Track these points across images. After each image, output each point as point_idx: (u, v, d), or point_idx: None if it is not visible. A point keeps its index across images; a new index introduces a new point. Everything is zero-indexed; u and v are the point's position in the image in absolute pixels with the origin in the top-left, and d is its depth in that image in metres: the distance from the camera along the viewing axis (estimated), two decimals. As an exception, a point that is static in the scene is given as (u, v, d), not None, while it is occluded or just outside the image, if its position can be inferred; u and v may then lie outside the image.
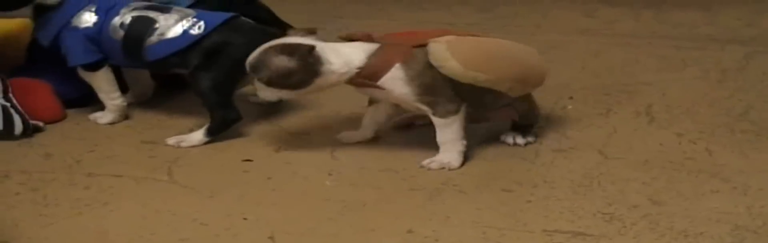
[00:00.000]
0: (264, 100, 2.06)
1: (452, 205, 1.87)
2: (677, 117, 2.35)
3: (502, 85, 2.01)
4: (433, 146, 2.05)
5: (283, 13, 2.67)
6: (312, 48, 1.95)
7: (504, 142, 2.17)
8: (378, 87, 2.00)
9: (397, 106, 2.13)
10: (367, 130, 2.19)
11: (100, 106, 2.36)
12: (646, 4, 3.55)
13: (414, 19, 3.40)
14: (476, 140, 2.15)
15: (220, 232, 1.76)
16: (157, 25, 2.19)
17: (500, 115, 2.16)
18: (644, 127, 2.30)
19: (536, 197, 1.90)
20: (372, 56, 2.00)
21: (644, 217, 1.79)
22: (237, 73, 2.06)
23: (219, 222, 1.80)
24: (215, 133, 2.21)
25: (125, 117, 2.36)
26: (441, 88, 1.99)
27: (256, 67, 1.98)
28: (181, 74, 2.37)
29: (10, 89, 2.27)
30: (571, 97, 2.50)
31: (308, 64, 1.96)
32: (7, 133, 2.23)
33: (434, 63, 1.96)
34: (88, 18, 2.23)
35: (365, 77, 2.00)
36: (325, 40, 2.06)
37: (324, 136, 2.24)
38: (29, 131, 2.25)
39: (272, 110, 2.34)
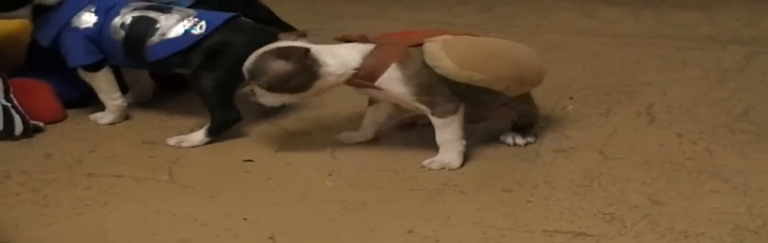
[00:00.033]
0: (266, 105, 2.05)
1: (453, 206, 1.87)
2: (677, 117, 2.35)
3: (499, 85, 2.01)
4: (433, 146, 2.06)
5: (283, 14, 2.67)
6: (307, 50, 1.95)
7: (504, 143, 2.17)
8: (376, 87, 2.00)
9: (397, 106, 2.13)
10: (367, 131, 2.19)
11: (100, 107, 2.36)
12: (646, 5, 3.56)
13: (414, 20, 3.41)
14: (476, 140, 2.16)
15: (221, 233, 1.76)
16: (158, 26, 2.19)
17: (498, 114, 2.16)
18: (645, 127, 2.30)
19: (537, 197, 1.90)
20: (368, 57, 2.00)
21: (645, 218, 1.79)
22: (238, 73, 2.05)
23: (219, 222, 1.80)
24: (216, 134, 2.21)
25: (126, 117, 2.37)
26: (438, 88, 1.99)
27: (255, 73, 1.97)
28: (182, 75, 2.37)
29: (10, 89, 2.27)
30: (571, 98, 2.50)
31: (306, 67, 1.96)
32: (8, 134, 2.23)
33: (429, 62, 1.97)
34: (88, 18, 2.23)
35: (362, 78, 2.00)
36: (325, 41, 2.06)
37: (324, 136, 2.24)
38: (29, 131, 2.25)
39: (273, 111, 2.34)
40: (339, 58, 1.99)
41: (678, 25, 3.29)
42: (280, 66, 1.95)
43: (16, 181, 2.02)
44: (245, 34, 2.18)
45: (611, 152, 2.13)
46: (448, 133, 2.03)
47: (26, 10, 2.27)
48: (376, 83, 1.99)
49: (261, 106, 2.31)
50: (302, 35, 2.04)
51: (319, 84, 1.99)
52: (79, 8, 2.24)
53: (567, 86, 2.59)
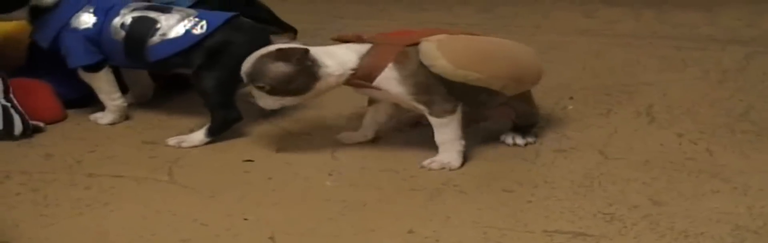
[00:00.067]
0: (265, 108, 2.05)
1: (453, 206, 1.87)
2: (678, 117, 2.35)
3: (496, 84, 2.00)
4: (433, 146, 2.05)
5: (283, 14, 2.67)
6: (306, 51, 1.95)
7: (504, 143, 2.17)
8: (374, 87, 2.00)
9: (397, 106, 2.13)
10: (367, 131, 2.19)
11: (100, 107, 2.36)
12: (646, 5, 3.56)
13: (415, 20, 3.41)
14: (476, 140, 2.16)
15: (221, 233, 1.76)
16: (158, 26, 2.19)
17: (497, 114, 2.16)
18: (645, 127, 2.30)
19: (537, 197, 1.90)
20: (364, 57, 2.00)
21: (645, 218, 1.79)
22: (240, 72, 2.05)
23: (219, 222, 1.80)
24: (216, 133, 2.21)
25: (126, 117, 2.37)
26: (435, 87, 1.99)
27: (254, 76, 1.97)
28: (182, 75, 2.37)
29: (10, 89, 2.27)
30: (571, 98, 2.50)
31: (306, 68, 1.96)
32: (7, 134, 2.23)
33: (425, 62, 1.97)
34: (87, 19, 2.23)
35: (360, 78, 2.00)
36: (325, 42, 2.06)
37: (324, 136, 2.24)
38: (29, 131, 2.25)
39: (273, 111, 2.34)
40: (337, 58, 1.99)
41: (678, 25, 3.29)
42: (280, 68, 1.95)
43: (16, 181, 2.02)
44: (246, 33, 2.18)
45: (611, 152, 2.13)
46: (447, 132, 2.03)
47: (23, 12, 2.27)
48: (374, 83, 1.99)
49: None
50: (293, 37, 2.04)
51: (319, 85, 1.99)
52: (77, 9, 2.24)
53: (567, 86, 2.59)
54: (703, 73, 2.73)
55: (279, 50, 1.96)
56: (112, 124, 2.34)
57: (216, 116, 2.20)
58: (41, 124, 2.29)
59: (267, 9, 2.66)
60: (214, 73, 2.16)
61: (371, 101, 2.16)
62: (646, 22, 3.36)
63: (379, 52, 2.00)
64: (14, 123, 2.23)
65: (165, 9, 2.23)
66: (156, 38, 2.19)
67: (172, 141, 2.20)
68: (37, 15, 2.27)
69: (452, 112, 2.01)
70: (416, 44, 1.99)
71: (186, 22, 2.18)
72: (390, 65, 1.98)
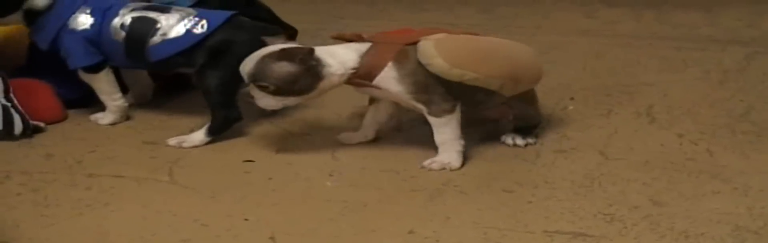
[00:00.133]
0: (266, 108, 2.04)
1: (453, 206, 1.87)
2: (678, 118, 2.35)
3: (492, 84, 2.00)
4: (433, 147, 2.05)
5: (284, 14, 2.67)
6: (311, 50, 1.95)
7: (504, 143, 2.17)
8: (374, 86, 2.00)
9: (398, 105, 2.13)
10: (368, 131, 2.19)
11: (100, 107, 2.36)
12: (647, 5, 3.56)
13: (415, 20, 3.41)
14: (476, 141, 2.16)
15: (221, 233, 1.76)
16: (158, 26, 2.19)
17: (495, 114, 2.16)
18: (645, 127, 2.30)
19: (537, 198, 1.90)
20: (364, 56, 2.00)
21: (645, 218, 1.79)
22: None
23: (220, 223, 1.80)
24: (216, 133, 2.21)
25: (126, 118, 2.37)
26: (433, 87, 1.99)
27: (257, 76, 1.96)
28: (182, 75, 2.37)
29: (10, 89, 2.27)
30: (572, 98, 2.50)
31: (311, 67, 1.95)
32: (7, 134, 2.23)
33: (422, 60, 1.97)
34: (85, 20, 2.23)
35: (361, 77, 2.00)
36: (326, 42, 2.06)
37: (325, 136, 2.24)
38: (29, 131, 2.25)
39: (273, 111, 2.34)
40: (338, 57, 1.99)
41: (678, 26, 3.29)
42: (284, 68, 1.95)
43: (16, 181, 2.02)
44: (248, 32, 2.19)
45: (612, 153, 2.13)
46: (446, 132, 2.03)
47: (18, 16, 2.27)
48: (374, 82, 2.00)
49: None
50: (291, 38, 2.04)
51: (322, 85, 1.99)
52: (74, 10, 2.23)
53: (568, 87, 2.59)
54: (703, 73, 2.73)
55: (282, 50, 1.95)
56: (113, 124, 2.34)
57: (217, 115, 2.20)
58: (42, 124, 2.29)
59: (267, 9, 2.66)
60: (217, 72, 2.16)
61: (372, 100, 2.16)
62: (646, 22, 3.36)
63: (378, 51, 2.00)
64: (14, 123, 2.23)
65: (164, 9, 2.23)
66: (157, 38, 2.18)
67: (172, 141, 2.20)
68: (33, 18, 2.26)
69: (451, 111, 2.01)
70: (416, 43, 1.99)
71: (186, 21, 2.18)
72: (389, 64, 1.98)
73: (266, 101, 2.01)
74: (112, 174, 2.04)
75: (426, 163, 2.04)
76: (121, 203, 1.90)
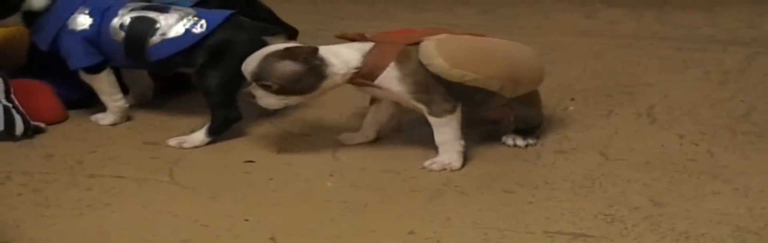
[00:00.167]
0: (267, 108, 2.04)
1: (453, 207, 1.87)
2: (679, 118, 2.35)
3: (492, 85, 2.00)
4: (434, 147, 2.05)
5: (284, 15, 2.67)
6: (315, 49, 1.95)
7: (504, 144, 2.17)
8: (376, 86, 2.00)
9: (399, 106, 2.13)
10: (368, 131, 2.19)
11: (101, 108, 2.36)
12: (647, 6, 3.56)
13: (416, 21, 3.40)
14: (477, 141, 2.16)
15: (222, 233, 1.76)
16: (158, 25, 2.19)
17: (495, 115, 2.16)
18: (646, 128, 2.30)
19: (537, 198, 1.90)
20: (367, 55, 2.00)
21: (645, 219, 1.79)
22: (241, 72, 2.05)
23: (220, 223, 1.80)
24: (216, 133, 2.21)
25: (127, 118, 2.37)
26: (434, 87, 1.99)
27: (260, 75, 1.96)
28: (183, 75, 2.37)
29: (11, 90, 2.27)
30: (572, 99, 2.50)
31: (315, 67, 1.95)
32: (8, 134, 2.23)
33: (423, 60, 1.97)
34: (83, 20, 2.23)
35: (363, 77, 2.00)
36: (326, 42, 2.06)
37: (325, 137, 2.24)
38: (30, 132, 2.25)
39: (273, 111, 2.34)
40: (341, 57, 1.99)
41: (679, 26, 3.29)
42: (288, 67, 1.95)
43: (17, 181, 2.02)
44: (248, 32, 2.19)
45: (612, 153, 2.13)
46: (447, 132, 2.03)
47: (18, 18, 2.27)
48: (376, 82, 2.00)
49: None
50: (291, 39, 2.04)
51: (325, 84, 1.99)
52: (73, 10, 2.23)
53: (568, 87, 2.59)
54: (704, 74, 2.73)
55: (287, 49, 1.95)
56: (114, 124, 2.34)
57: (217, 115, 2.20)
58: (42, 125, 2.29)
59: (268, 9, 2.66)
60: (217, 72, 2.16)
61: (373, 101, 2.16)
62: (646, 23, 3.36)
63: (381, 51, 2.00)
64: (15, 123, 2.23)
65: (163, 9, 2.23)
66: (156, 38, 2.19)
67: (173, 142, 2.20)
68: (32, 19, 2.26)
69: (451, 111, 2.01)
70: (418, 43, 1.99)
71: (185, 21, 2.19)
72: (392, 64, 1.98)
73: (268, 100, 2.01)
74: (112, 174, 2.04)
75: (426, 163, 2.04)
76: (122, 204, 1.90)
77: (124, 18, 2.22)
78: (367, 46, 2.02)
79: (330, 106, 2.42)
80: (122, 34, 2.21)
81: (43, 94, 2.35)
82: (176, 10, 2.23)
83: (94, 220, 1.83)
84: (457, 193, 1.93)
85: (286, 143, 2.22)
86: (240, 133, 2.26)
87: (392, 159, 2.10)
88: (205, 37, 2.16)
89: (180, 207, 1.87)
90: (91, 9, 2.24)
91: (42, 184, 2.00)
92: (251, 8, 2.55)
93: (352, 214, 1.83)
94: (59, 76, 2.35)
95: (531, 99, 2.14)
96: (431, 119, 2.03)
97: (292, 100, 2.01)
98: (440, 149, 2.05)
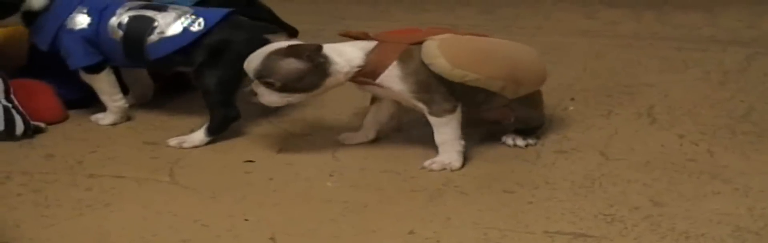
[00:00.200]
0: (269, 105, 2.04)
1: (453, 207, 1.87)
2: (679, 118, 2.35)
3: (494, 85, 2.00)
4: (434, 147, 2.06)
5: (284, 15, 2.67)
6: (320, 47, 1.95)
7: (504, 144, 2.17)
8: (377, 85, 2.00)
9: (400, 105, 2.13)
10: (368, 131, 2.19)
11: (101, 107, 2.36)
12: (647, 6, 3.56)
13: (416, 21, 3.40)
14: (477, 141, 2.16)
15: (222, 233, 1.76)
16: (155, 24, 2.19)
17: (495, 115, 2.16)
18: (646, 128, 2.30)
19: (537, 198, 1.90)
20: (370, 54, 2.00)
21: (645, 219, 1.79)
22: (241, 70, 2.05)
23: (220, 223, 1.80)
24: (216, 132, 2.21)
25: (127, 118, 2.37)
26: (435, 86, 1.99)
27: (263, 72, 1.96)
28: (182, 75, 2.37)
29: (11, 90, 2.27)
30: (572, 99, 2.50)
31: (319, 65, 1.95)
32: (8, 134, 2.23)
33: (425, 60, 1.97)
34: (82, 20, 2.23)
35: (365, 75, 2.00)
36: (327, 42, 2.06)
37: (326, 136, 2.24)
38: (30, 132, 2.25)
39: (273, 111, 2.34)
40: (344, 55, 1.99)
41: (679, 27, 3.29)
42: (292, 64, 1.94)
43: (17, 181, 2.02)
44: (247, 31, 2.19)
45: (612, 153, 2.13)
46: (447, 132, 2.03)
47: (17, 18, 2.27)
48: (378, 81, 2.00)
49: (262, 105, 2.31)
50: (292, 36, 2.04)
51: (327, 82, 1.99)
52: (71, 10, 2.23)
53: (568, 87, 2.59)
54: (704, 74, 2.73)
55: (290, 46, 1.95)
56: (114, 124, 2.35)
57: (215, 114, 2.20)
58: (42, 125, 2.29)
59: (268, 9, 2.66)
60: (215, 71, 2.16)
61: (373, 100, 2.16)
62: (647, 23, 3.36)
63: (384, 50, 2.00)
64: (15, 123, 2.23)
65: (161, 7, 2.23)
66: (154, 37, 2.19)
67: (173, 141, 2.20)
68: (32, 19, 2.26)
69: (452, 111, 2.01)
70: (421, 43, 1.99)
71: (183, 19, 2.19)
72: (394, 63, 1.98)
73: (270, 98, 2.00)
74: (112, 174, 2.04)
75: (426, 163, 2.04)
76: (122, 204, 1.90)
77: (122, 17, 2.22)
78: (370, 44, 2.02)
79: (330, 105, 2.42)
80: (120, 33, 2.21)
81: (43, 94, 2.35)
82: (174, 8, 2.23)
83: (94, 220, 1.83)
84: (457, 193, 1.93)
85: (286, 143, 2.22)
86: (240, 133, 2.26)
87: (392, 159, 2.10)
88: (203, 35, 2.16)
89: (180, 207, 1.87)
90: (90, 8, 2.24)
91: (42, 184, 2.00)
92: (251, 8, 2.55)
93: (352, 214, 1.83)
94: (59, 76, 2.35)
95: (533, 100, 2.14)
96: (431, 119, 2.03)
97: (295, 97, 2.01)
98: (440, 149, 2.05)
